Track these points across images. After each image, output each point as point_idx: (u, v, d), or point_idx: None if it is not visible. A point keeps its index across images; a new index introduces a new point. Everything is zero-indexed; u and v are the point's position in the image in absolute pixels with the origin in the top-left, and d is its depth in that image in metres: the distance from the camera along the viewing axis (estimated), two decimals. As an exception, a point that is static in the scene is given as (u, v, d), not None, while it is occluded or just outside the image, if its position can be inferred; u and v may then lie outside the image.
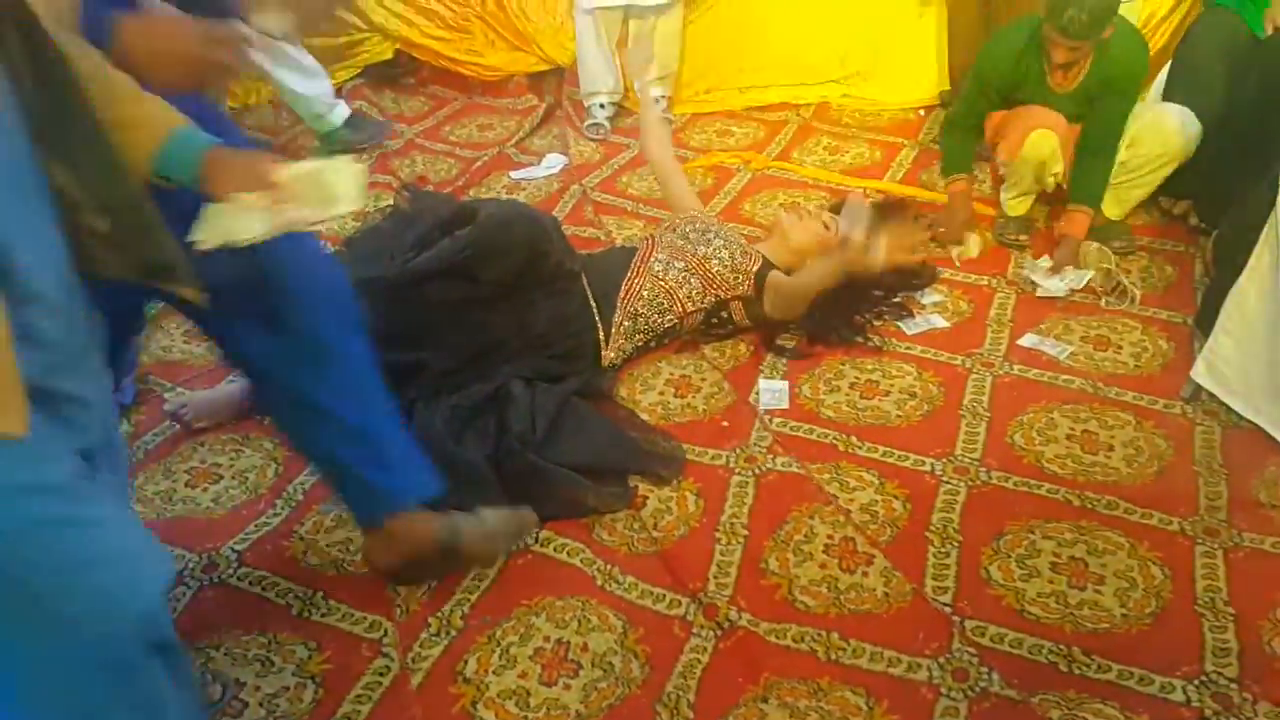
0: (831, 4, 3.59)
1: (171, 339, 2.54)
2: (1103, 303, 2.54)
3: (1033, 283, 2.57)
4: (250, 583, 1.85)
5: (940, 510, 1.95)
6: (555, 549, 1.89)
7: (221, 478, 2.10)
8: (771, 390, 2.27)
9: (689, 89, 3.72)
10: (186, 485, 2.08)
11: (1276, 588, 1.78)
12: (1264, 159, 2.17)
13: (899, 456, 2.08)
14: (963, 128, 2.79)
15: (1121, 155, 2.62)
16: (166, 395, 2.33)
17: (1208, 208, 2.69)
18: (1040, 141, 2.58)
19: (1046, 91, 2.58)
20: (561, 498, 1.94)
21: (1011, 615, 1.74)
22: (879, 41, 3.61)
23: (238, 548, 1.92)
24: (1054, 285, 2.54)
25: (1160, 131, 2.57)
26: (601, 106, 3.53)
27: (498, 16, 3.77)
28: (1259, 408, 2.08)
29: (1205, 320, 2.21)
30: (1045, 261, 2.59)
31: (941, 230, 2.75)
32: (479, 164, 3.36)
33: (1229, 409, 2.13)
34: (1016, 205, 2.78)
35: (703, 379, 2.32)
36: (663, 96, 3.53)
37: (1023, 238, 2.76)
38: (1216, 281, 2.23)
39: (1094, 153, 2.59)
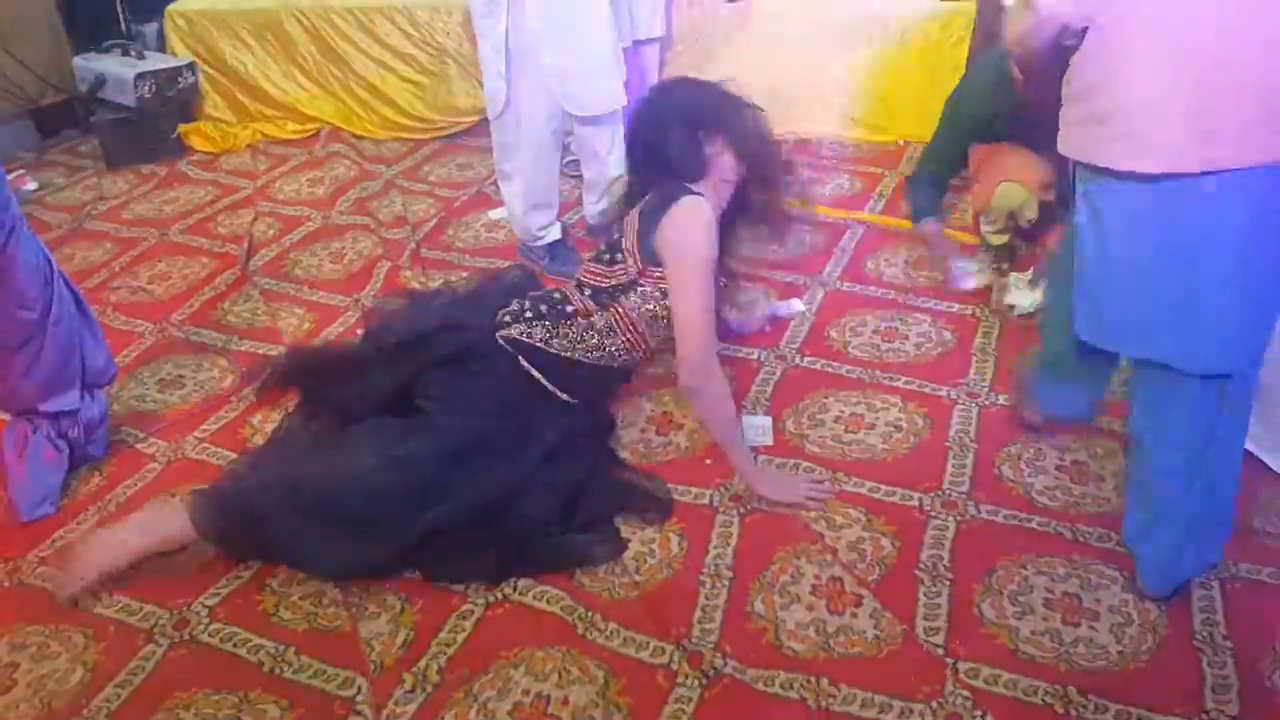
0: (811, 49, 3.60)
1: (145, 387, 2.49)
2: None
3: (1009, 305, 2.53)
4: (221, 639, 1.78)
5: (929, 547, 1.90)
6: (534, 596, 1.84)
7: (193, 530, 2.05)
8: (754, 426, 2.23)
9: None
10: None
11: (1275, 620, 1.73)
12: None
13: (886, 491, 2.04)
14: (930, 179, 2.71)
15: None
16: (138, 446, 2.28)
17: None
18: (1008, 193, 2.54)
19: (1021, 121, 2.57)
20: (557, 557, 1.89)
21: (1005, 655, 1.69)
22: (869, 83, 3.61)
23: (209, 603, 1.86)
24: (1029, 301, 2.51)
25: None
26: None
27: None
28: (1252, 434, 2.04)
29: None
30: (1024, 276, 2.56)
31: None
32: (458, 203, 3.34)
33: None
34: (996, 237, 2.76)
35: (685, 415, 2.28)
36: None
37: (1004, 266, 2.74)
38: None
39: None
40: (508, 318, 2.09)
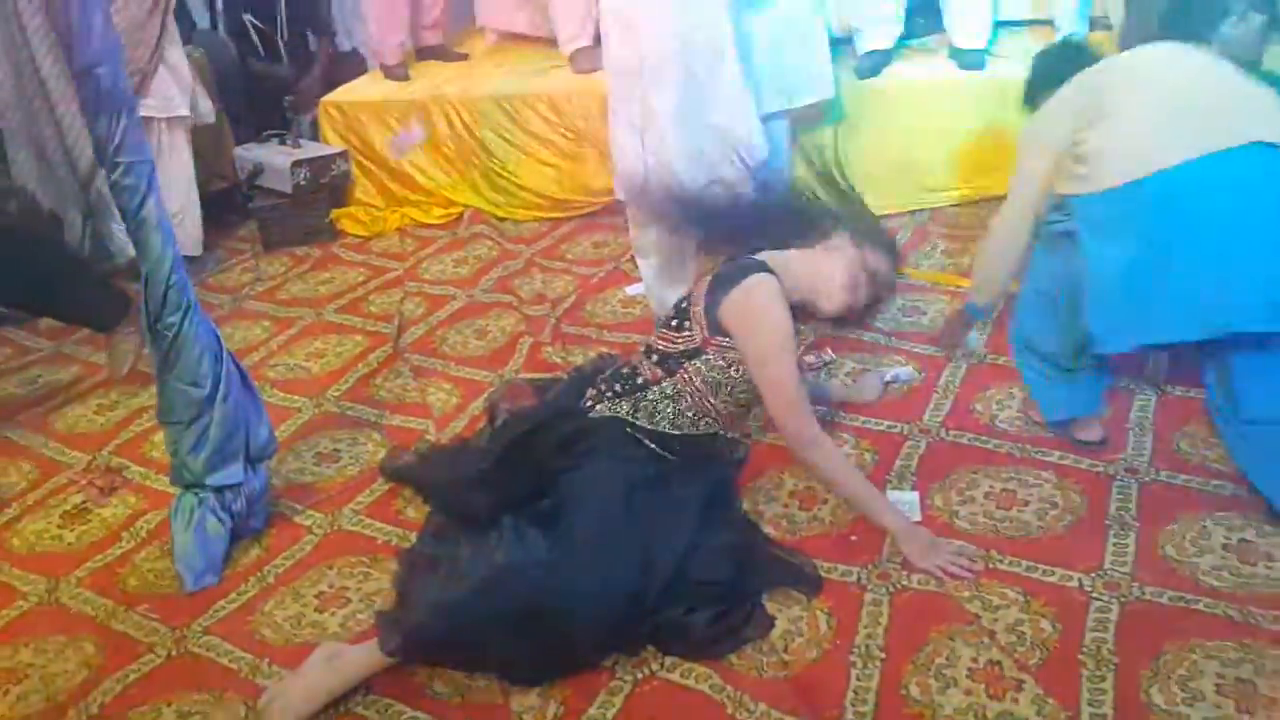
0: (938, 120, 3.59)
1: (303, 461, 2.61)
2: None
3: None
4: (377, 711, 1.83)
5: (1093, 630, 1.82)
6: (683, 674, 1.83)
7: (350, 600, 2.12)
8: (901, 501, 2.18)
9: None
10: (315, 609, 2.10)
11: None
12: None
13: (1044, 571, 1.97)
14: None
15: None
16: (296, 518, 2.39)
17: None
18: None
19: None
20: (706, 643, 1.87)
21: (1180, 746, 1.60)
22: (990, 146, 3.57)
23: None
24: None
25: None
26: None
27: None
28: None
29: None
30: None
31: None
32: (595, 279, 3.43)
33: None
34: None
35: (828, 490, 2.26)
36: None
37: None
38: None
39: None
40: (590, 401, 2.14)
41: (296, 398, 2.94)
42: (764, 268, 2.02)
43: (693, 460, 2.13)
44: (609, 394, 2.13)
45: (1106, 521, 2.08)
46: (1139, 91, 2.04)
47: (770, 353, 1.98)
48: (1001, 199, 2.30)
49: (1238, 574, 1.92)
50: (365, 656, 1.85)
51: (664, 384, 2.08)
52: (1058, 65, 2.36)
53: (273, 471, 2.47)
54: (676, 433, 2.09)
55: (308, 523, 2.38)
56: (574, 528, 1.89)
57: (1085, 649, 1.78)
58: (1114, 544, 2.02)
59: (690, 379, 2.06)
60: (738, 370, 2.05)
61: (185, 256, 2.24)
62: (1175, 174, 1.87)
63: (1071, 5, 3.58)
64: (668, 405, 2.08)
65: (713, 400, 2.08)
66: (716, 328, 2.02)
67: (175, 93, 3.68)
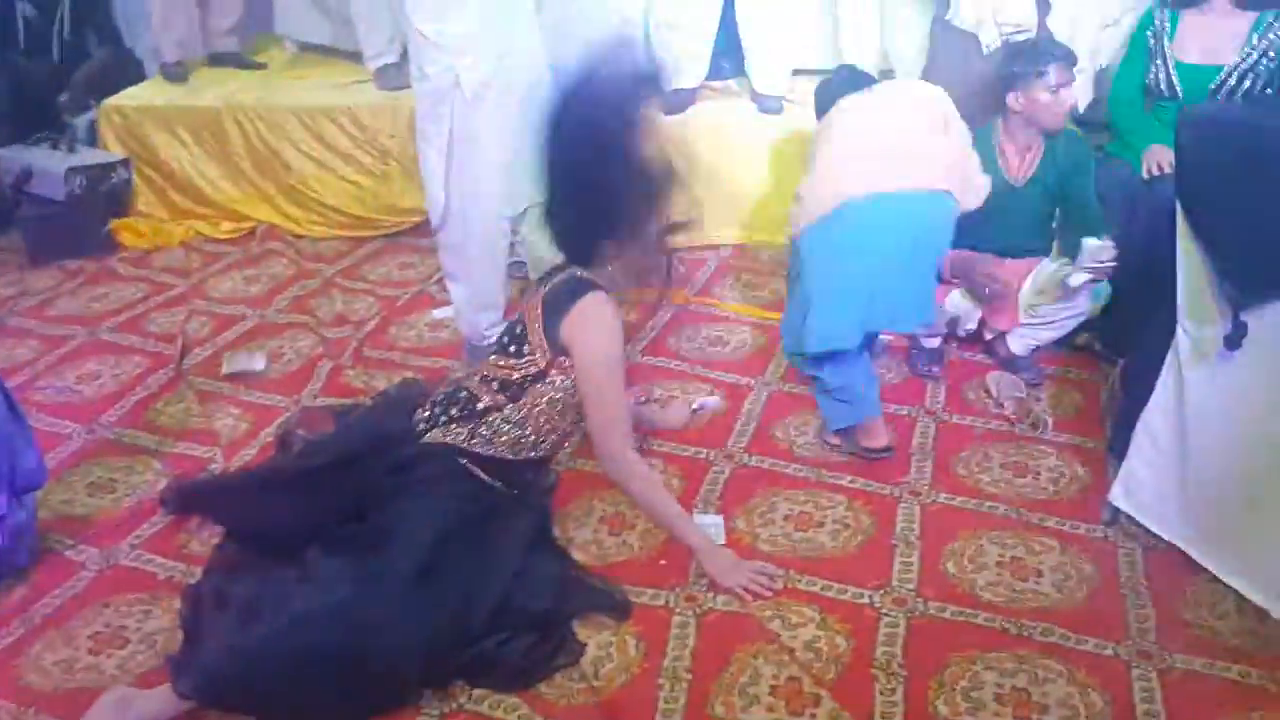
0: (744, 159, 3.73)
1: (74, 492, 2.41)
2: (1017, 429, 2.61)
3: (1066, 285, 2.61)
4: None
5: (883, 644, 1.94)
6: (490, 705, 1.81)
7: (128, 641, 1.97)
8: (706, 524, 2.25)
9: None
10: (89, 652, 1.94)
11: (1213, 708, 1.80)
12: (1159, 289, 2.29)
13: (838, 589, 2.07)
14: None
15: (1029, 299, 2.75)
16: (67, 553, 2.19)
17: (1111, 336, 2.82)
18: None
19: (1006, 187, 2.71)
20: (515, 674, 1.86)
21: (962, 752, 1.72)
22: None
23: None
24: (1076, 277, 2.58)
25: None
26: None
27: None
28: (1175, 528, 2.15)
29: (1118, 444, 2.29)
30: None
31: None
32: (400, 302, 3.35)
33: (1148, 531, 2.19)
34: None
35: (636, 515, 2.29)
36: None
37: (935, 368, 2.85)
38: (1126, 407, 2.32)
39: (1079, 222, 2.71)
40: (423, 425, 2.10)
41: (67, 423, 2.70)
42: (595, 285, 2.03)
43: (519, 488, 2.12)
44: (444, 418, 2.08)
45: (893, 541, 2.22)
46: (834, 141, 2.53)
47: (601, 369, 1.99)
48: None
49: (1011, 589, 2.08)
50: (159, 702, 1.73)
51: (507, 409, 2.05)
52: (836, 90, 2.63)
53: (40, 503, 2.26)
54: (512, 458, 2.07)
55: (80, 558, 2.20)
56: (390, 563, 1.83)
57: (876, 663, 1.89)
58: (900, 562, 2.16)
59: (536, 402, 2.04)
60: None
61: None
62: (857, 206, 2.35)
63: (866, 55, 3.81)
64: (511, 430, 2.05)
65: (559, 421, 2.08)
66: (560, 348, 2.01)
67: None
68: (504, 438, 2.06)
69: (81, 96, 4.17)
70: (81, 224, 3.79)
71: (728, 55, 3.89)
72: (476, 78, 2.61)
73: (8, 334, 3.22)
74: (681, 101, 3.75)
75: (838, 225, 2.38)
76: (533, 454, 2.10)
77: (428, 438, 2.07)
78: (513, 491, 2.10)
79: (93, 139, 4.08)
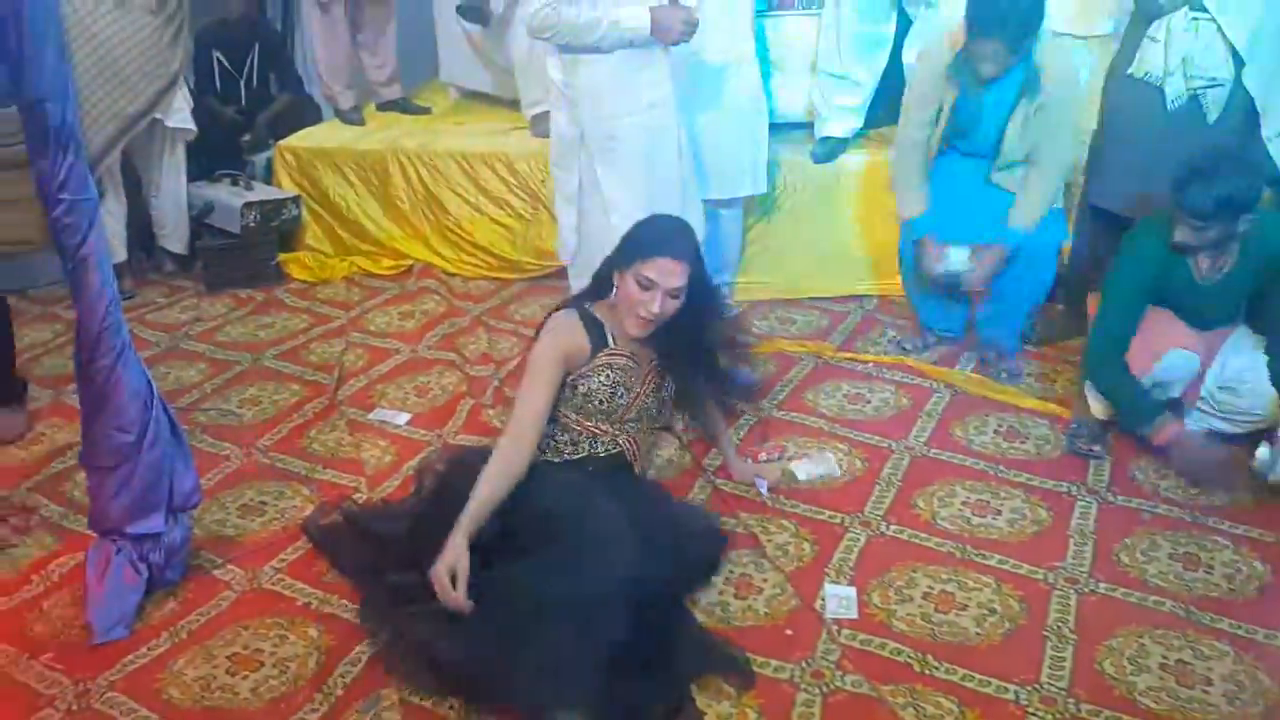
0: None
1: (227, 512, 2.51)
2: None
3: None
4: None
5: (1026, 745, 1.80)
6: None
7: (263, 664, 2.02)
8: (838, 596, 2.16)
9: (745, 275, 3.76)
10: (227, 672, 2.00)
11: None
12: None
13: (980, 681, 1.94)
14: (1117, 358, 2.51)
15: (1220, 396, 2.56)
16: (215, 572, 2.28)
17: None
18: (1179, 361, 2.51)
19: (1193, 286, 2.49)
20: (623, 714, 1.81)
21: None
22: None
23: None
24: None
25: (1262, 395, 2.50)
26: None
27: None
28: None
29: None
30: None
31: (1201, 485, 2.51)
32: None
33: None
34: (1105, 410, 2.64)
35: (764, 579, 2.22)
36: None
37: (1096, 447, 2.66)
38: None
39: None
40: None
41: (226, 445, 2.83)
42: (574, 307, 2.21)
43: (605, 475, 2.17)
44: None
45: (1044, 632, 2.07)
46: None
47: (525, 372, 2.14)
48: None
49: (1175, 696, 1.90)
50: None
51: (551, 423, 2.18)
52: None
53: (195, 521, 2.36)
54: (563, 460, 2.17)
55: (227, 578, 2.28)
56: (572, 534, 1.93)
57: (1019, 764, 1.75)
58: (1051, 656, 2.00)
59: (561, 410, 2.18)
60: (581, 385, 2.14)
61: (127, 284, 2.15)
62: None
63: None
64: (549, 440, 2.16)
65: (587, 423, 2.18)
66: None
67: (183, 104, 3.74)
68: (551, 447, 2.17)
69: (263, 137, 4.45)
70: (254, 256, 4.02)
71: (883, 103, 3.81)
72: (601, 131, 2.63)
73: (178, 357, 3.42)
74: (831, 150, 3.71)
75: None
76: (576, 454, 2.18)
77: None
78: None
79: (269, 177, 4.32)
